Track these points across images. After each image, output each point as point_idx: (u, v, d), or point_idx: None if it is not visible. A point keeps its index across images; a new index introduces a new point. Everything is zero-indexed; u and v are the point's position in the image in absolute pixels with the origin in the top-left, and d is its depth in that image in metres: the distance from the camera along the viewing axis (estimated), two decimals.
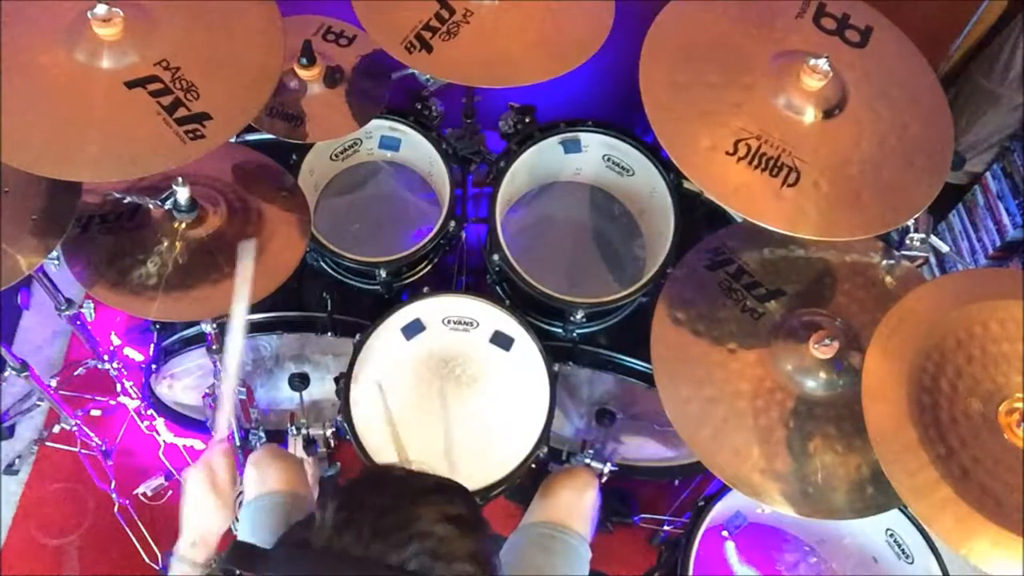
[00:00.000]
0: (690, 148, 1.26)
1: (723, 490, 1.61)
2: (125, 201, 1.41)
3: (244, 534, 1.36)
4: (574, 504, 1.45)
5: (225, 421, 1.17)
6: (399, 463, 0.81)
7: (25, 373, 1.74)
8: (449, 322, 1.63)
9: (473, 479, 1.47)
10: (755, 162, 1.25)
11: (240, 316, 1.16)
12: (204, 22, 1.29)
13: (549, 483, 1.51)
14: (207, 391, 1.82)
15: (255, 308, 1.61)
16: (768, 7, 1.41)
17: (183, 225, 1.42)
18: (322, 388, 1.93)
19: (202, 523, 1.09)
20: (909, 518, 1.57)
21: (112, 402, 2.14)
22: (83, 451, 2.12)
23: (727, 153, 1.25)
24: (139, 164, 1.19)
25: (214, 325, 1.58)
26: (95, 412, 2.15)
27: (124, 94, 1.20)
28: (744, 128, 1.27)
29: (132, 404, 2.10)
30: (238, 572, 0.79)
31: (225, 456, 1.12)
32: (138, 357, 2.02)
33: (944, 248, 1.48)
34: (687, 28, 1.37)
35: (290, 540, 0.76)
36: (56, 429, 2.08)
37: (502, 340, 1.61)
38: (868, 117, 1.32)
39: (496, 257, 1.69)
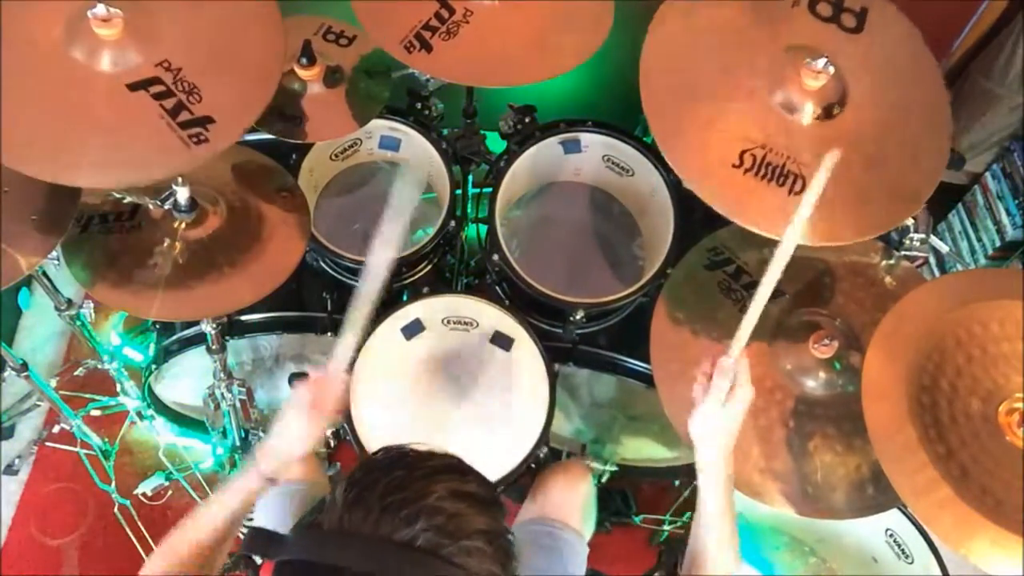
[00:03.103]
0: (697, 162, 1.25)
1: None
2: (125, 201, 1.41)
3: (264, 521, 1.35)
4: (567, 498, 1.44)
5: (349, 348, 1.09)
6: (411, 444, 0.81)
7: (25, 373, 1.74)
8: (449, 322, 1.63)
9: None
10: (761, 172, 1.23)
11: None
12: (204, 22, 1.29)
13: (541, 479, 1.50)
14: (207, 391, 1.81)
15: (255, 308, 1.62)
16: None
17: (183, 225, 1.42)
18: None
19: (280, 442, 1.05)
20: (909, 518, 1.57)
21: (112, 402, 2.15)
22: (83, 451, 2.12)
23: (733, 165, 1.23)
24: (143, 169, 1.18)
25: (214, 325, 1.59)
26: (95, 412, 2.15)
27: (126, 97, 1.19)
28: (749, 138, 1.25)
29: (132, 404, 2.10)
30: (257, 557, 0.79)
31: (337, 384, 1.07)
32: (138, 357, 2.02)
33: (944, 248, 1.48)
34: (685, 28, 1.36)
35: (304, 523, 0.76)
36: (56, 429, 2.09)
37: (502, 340, 1.61)
38: (868, 113, 1.31)
39: (496, 257, 1.69)
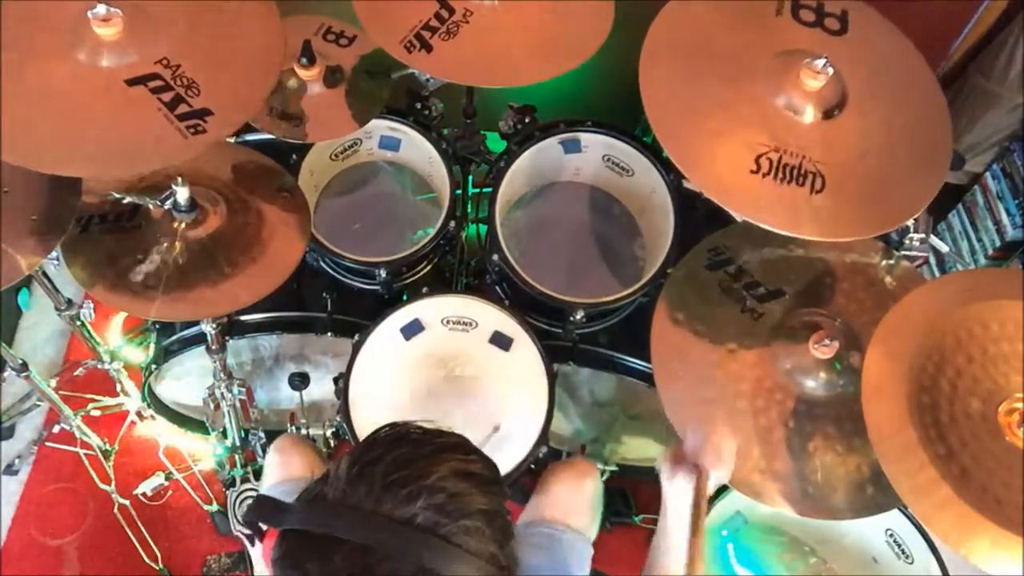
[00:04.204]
0: (717, 174, 1.24)
1: (723, 490, 1.61)
2: (125, 201, 1.41)
3: None
4: (571, 498, 1.44)
5: None
6: (417, 421, 0.82)
7: (25, 373, 1.74)
8: (448, 322, 1.63)
9: None
10: (780, 174, 1.23)
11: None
12: (204, 21, 1.29)
13: (545, 477, 1.50)
14: (207, 391, 1.81)
15: (255, 308, 1.62)
16: (750, 8, 1.40)
17: (183, 225, 1.42)
18: (322, 388, 1.93)
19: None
20: (909, 518, 1.57)
21: (112, 402, 2.14)
22: (83, 451, 2.12)
23: (751, 171, 1.23)
24: (140, 159, 1.18)
25: (214, 325, 1.58)
26: (95, 412, 2.15)
27: (125, 91, 1.20)
28: (761, 142, 1.25)
29: (132, 404, 2.10)
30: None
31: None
32: (138, 357, 2.02)
33: (944, 248, 1.48)
34: (680, 39, 1.36)
35: (308, 494, 0.78)
36: (56, 429, 2.08)
37: (501, 340, 1.61)
38: (869, 113, 1.31)
39: (496, 257, 1.69)
